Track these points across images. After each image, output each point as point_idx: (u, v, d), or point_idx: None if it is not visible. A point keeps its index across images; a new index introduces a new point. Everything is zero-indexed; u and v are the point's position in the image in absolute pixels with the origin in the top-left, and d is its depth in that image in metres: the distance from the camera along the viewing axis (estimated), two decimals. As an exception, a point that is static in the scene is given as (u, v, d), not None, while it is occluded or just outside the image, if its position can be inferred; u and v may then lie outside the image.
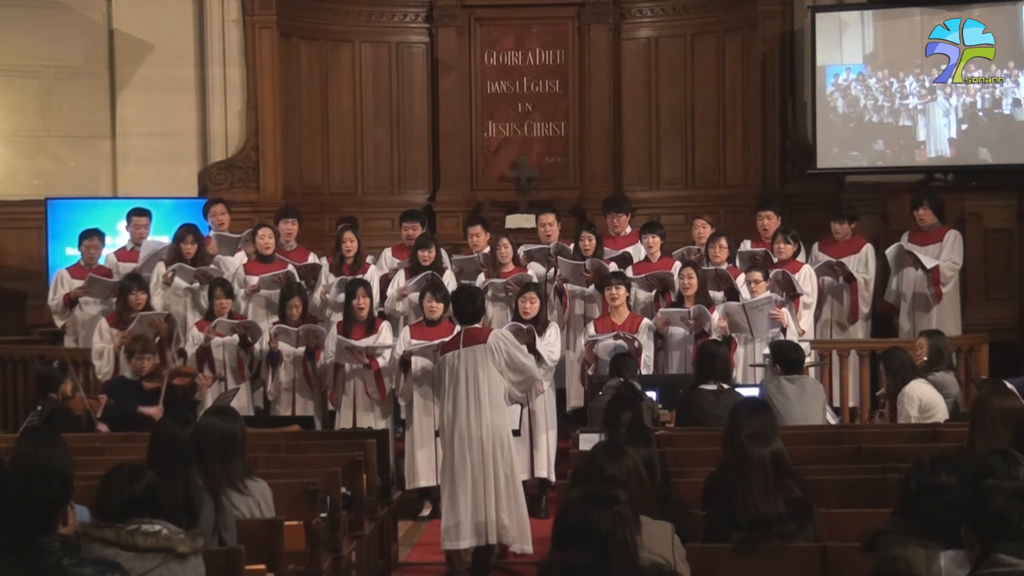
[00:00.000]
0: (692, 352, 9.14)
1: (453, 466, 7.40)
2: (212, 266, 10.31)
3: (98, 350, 9.65)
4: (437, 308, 9.02)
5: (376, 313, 9.80)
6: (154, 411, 8.39)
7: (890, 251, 10.41)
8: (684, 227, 12.03)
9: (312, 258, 10.73)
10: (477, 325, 7.66)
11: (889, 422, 8.21)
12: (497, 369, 7.43)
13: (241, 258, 10.63)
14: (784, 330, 9.18)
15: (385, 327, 9.54)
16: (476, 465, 7.36)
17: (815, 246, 10.69)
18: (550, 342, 9.09)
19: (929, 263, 10.21)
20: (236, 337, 9.52)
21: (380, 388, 9.35)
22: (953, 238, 10.39)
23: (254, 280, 10.18)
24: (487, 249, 10.52)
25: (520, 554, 7.53)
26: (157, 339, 9.33)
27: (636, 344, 9.19)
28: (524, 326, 8.94)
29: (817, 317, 10.40)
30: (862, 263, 10.46)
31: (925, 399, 7.89)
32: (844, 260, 10.37)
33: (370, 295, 9.58)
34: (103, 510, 4.34)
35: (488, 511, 7.37)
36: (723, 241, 10.21)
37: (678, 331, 9.50)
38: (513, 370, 7.50)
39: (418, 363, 9.02)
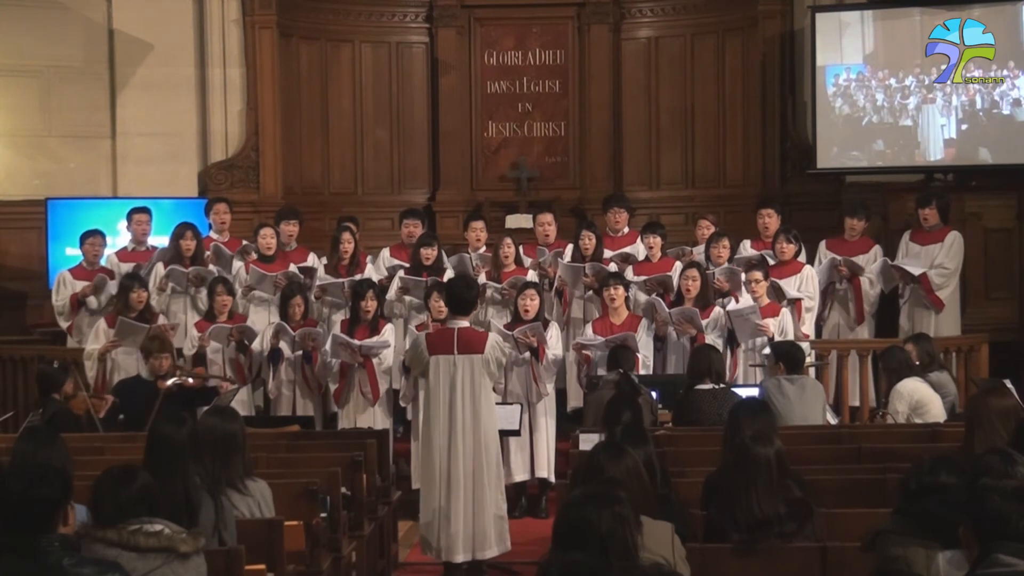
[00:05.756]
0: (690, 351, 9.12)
1: (450, 478, 7.37)
2: (211, 267, 10.32)
3: (88, 351, 9.64)
4: (445, 308, 8.99)
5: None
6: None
7: (875, 267, 10.37)
8: (684, 227, 12.05)
9: (311, 258, 10.75)
10: (467, 323, 7.62)
11: (888, 422, 8.22)
12: (488, 375, 7.46)
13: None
14: (771, 339, 9.12)
15: (388, 329, 9.54)
16: (469, 477, 7.35)
17: (822, 244, 10.67)
18: (551, 344, 9.10)
19: (916, 270, 10.19)
20: (233, 345, 9.51)
21: (373, 388, 9.34)
22: (951, 240, 10.38)
23: (256, 275, 10.20)
24: (483, 248, 10.55)
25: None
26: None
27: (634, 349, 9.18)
28: (531, 339, 8.96)
29: (823, 321, 10.38)
30: (870, 263, 10.44)
31: (918, 396, 7.89)
32: (854, 259, 10.33)
33: (378, 297, 9.58)
34: (99, 514, 4.33)
35: (477, 525, 7.36)
36: (725, 241, 10.21)
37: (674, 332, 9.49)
38: (497, 366, 7.60)
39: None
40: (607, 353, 8.79)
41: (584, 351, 9.27)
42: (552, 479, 9.13)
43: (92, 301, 10.28)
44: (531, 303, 9.09)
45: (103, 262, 10.63)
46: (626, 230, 11.02)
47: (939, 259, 10.31)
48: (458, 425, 7.36)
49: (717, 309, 9.41)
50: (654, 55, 13.46)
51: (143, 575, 4.22)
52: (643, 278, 10.10)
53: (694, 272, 9.51)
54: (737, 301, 9.54)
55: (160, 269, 10.30)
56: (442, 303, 8.90)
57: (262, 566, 5.25)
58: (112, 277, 10.31)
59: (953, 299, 10.42)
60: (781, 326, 9.32)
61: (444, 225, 12.96)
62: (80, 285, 10.33)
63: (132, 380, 8.90)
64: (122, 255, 10.82)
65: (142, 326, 9.47)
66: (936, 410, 7.89)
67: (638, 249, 10.64)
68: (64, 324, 10.48)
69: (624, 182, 13.38)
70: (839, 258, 10.32)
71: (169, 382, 8.50)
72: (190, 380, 8.72)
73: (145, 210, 10.91)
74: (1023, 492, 3.68)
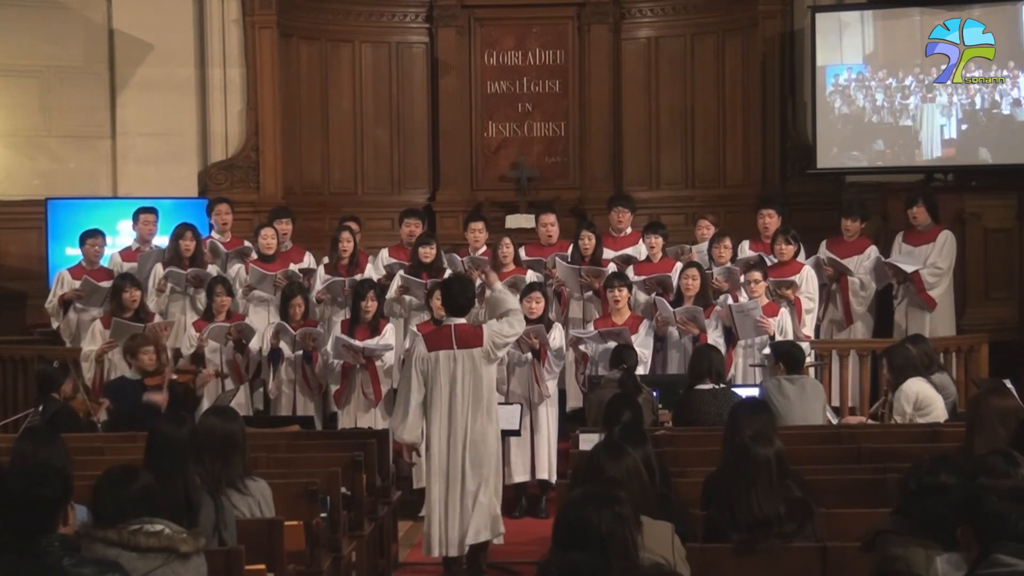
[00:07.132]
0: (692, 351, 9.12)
1: (448, 473, 7.37)
2: (211, 267, 10.32)
3: (85, 353, 9.63)
4: None
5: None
6: (159, 398, 8.36)
7: (867, 264, 10.38)
8: (684, 227, 12.04)
9: (307, 258, 10.76)
10: (464, 320, 7.61)
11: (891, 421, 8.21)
12: (489, 362, 7.44)
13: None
14: (772, 337, 9.14)
15: (389, 329, 9.54)
16: (469, 472, 7.36)
17: (823, 244, 10.66)
18: (554, 341, 9.11)
19: (909, 267, 10.19)
20: (231, 344, 9.50)
21: (376, 390, 9.34)
22: (944, 240, 10.38)
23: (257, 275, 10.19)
24: (483, 248, 10.55)
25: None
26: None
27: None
28: (534, 341, 8.95)
29: (819, 320, 10.38)
30: (863, 264, 10.42)
31: (922, 396, 7.89)
32: (848, 260, 10.34)
33: (379, 297, 9.58)
34: (100, 514, 4.33)
35: (477, 518, 7.36)
36: (727, 241, 10.22)
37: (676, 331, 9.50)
38: (501, 347, 7.51)
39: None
40: (607, 352, 8.79)
41: (580, 346, 9.28)
42: (553, 479, 9.13)
43: (80, 304, 10.26)
44: (536, 305, 9.09)
45: (105, 262, 10.62)
46: (628, 230, 11.02)
47: (932, 258, 10.33)
48: (458, 420, 7.37)
49: (717, 308, 9.42)
50: (654, 55, 13.46)
51: (143, 575, 4.22)
52: (643, 278, 10.10)
53: (694, 272, 9.52)
54: (736, 301, 9.55)
55: (159, 270, 10.30)
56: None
57: (262, 566, 5.25)
58: (109, 279, 10.29)
59: (947, 299, 10.43)
60: (780, 325, 9.33)
61: (444, 225, 12.96)
62: (77, 285, 10.32)
63: (120, 380, 8.87)
64: (125, 255, 10.82)
65: (137, 326, 9.46)
66: (939, 410, 7.89)
67: (639, 250, 10.65)
68: (55, 325, 10.48)
69: (624, 182, 13.38)
70: (825, 256, 10.32)
71: (157, 381, 8.47)
72: (176, 376, 8.71)
73: (152, 210, 10.92)
74: (1022, 492, 3.68)
